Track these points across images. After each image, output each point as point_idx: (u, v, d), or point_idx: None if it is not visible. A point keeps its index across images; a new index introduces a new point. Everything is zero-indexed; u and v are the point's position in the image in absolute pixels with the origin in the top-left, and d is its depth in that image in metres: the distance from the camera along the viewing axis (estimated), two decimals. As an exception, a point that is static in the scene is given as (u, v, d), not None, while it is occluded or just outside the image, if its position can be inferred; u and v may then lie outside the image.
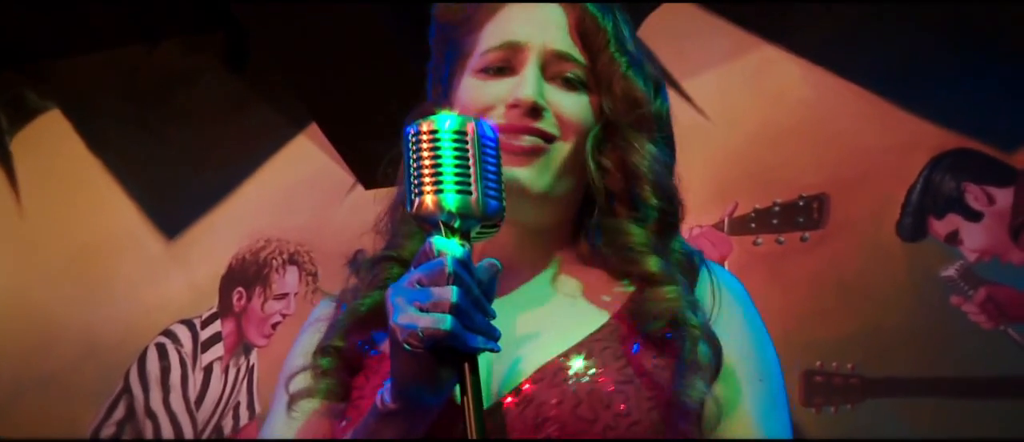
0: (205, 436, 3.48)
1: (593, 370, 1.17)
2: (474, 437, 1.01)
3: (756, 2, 3.10)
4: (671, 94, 1.44)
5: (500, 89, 1.29)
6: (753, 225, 2.98)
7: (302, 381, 1.28)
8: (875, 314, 2.77)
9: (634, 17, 1.40)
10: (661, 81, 1.40)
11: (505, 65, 1.31)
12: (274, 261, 3.57)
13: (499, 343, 1.06)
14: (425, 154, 1.08)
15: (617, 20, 1.35)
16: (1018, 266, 2.73)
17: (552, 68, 1.30)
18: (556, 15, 1.33)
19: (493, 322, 1.07)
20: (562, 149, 1.28)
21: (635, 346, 1.20)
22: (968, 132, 2.88)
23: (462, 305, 1.02)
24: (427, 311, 1.02)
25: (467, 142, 1.09)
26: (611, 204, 1.30)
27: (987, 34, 2.91)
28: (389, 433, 1.10)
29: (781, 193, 2.97)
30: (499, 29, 1.34)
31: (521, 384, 1.17)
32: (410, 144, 1.09)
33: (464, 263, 1.05)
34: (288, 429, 1.28)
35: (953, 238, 2.80)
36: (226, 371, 3.53)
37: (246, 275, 3.60)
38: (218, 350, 3.56)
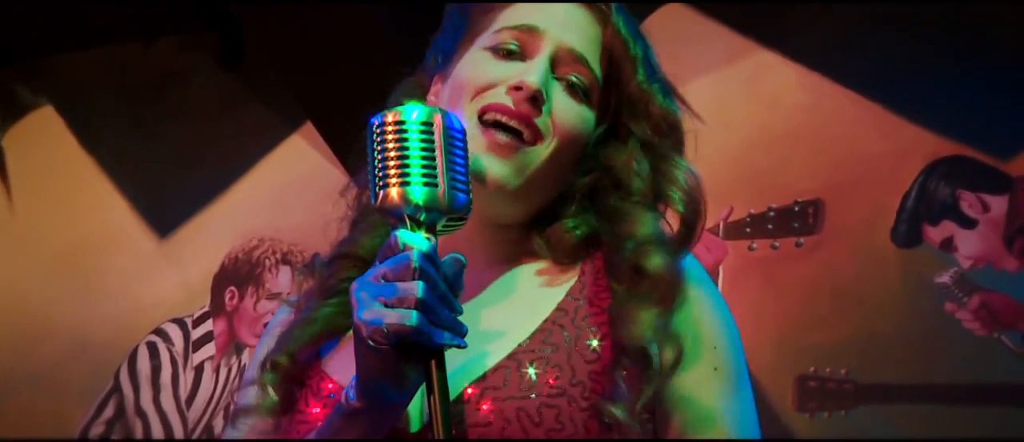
0: (195, 436, 3.46)
1: (528, 380, 1.12)
2: (440, 437, 0.99)
3: (754, 3, 3.10)
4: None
5: (505, 70, 1.24)
6: (748, 230, 2.98)
7: (248, 395, 1.25)
8: (869, 320, 2.77)
9: (635, 15, 1.36)
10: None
11: (517, 49, 1.26)
12: (267, 260, 3.56)
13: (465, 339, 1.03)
14: (391, 145, 1.05)
15: (647, 46, 1.33)
16: (1012, 273, 2.73)
17: (563, 67, 1.26)
18: (586, 21, 1.30)
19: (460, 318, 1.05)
20: (544, 151, 1.23)
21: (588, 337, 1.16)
22: (964, 139, 2.88)
23: (428, 301, 0.99)
24: (392, 307, 0.99)
25: (433, 133, 1.06)
26: (625, 202, 1.26)
27: (984, 40, 2.91)
28: (354, 432, 1.07)
29: (776, 198, 2.97)
30: (521, 12, 1.29)
31: (464, 390, 1.13)
32: (375, 135, 1.06)
33: (430, 257, 1.02)
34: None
35: (948, 245, 2.80)
36: (217, 370, 3.51)
37: (239, 274, 3.58)
38: (209, 349, 3.55)
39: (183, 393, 3.51)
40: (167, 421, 3.50)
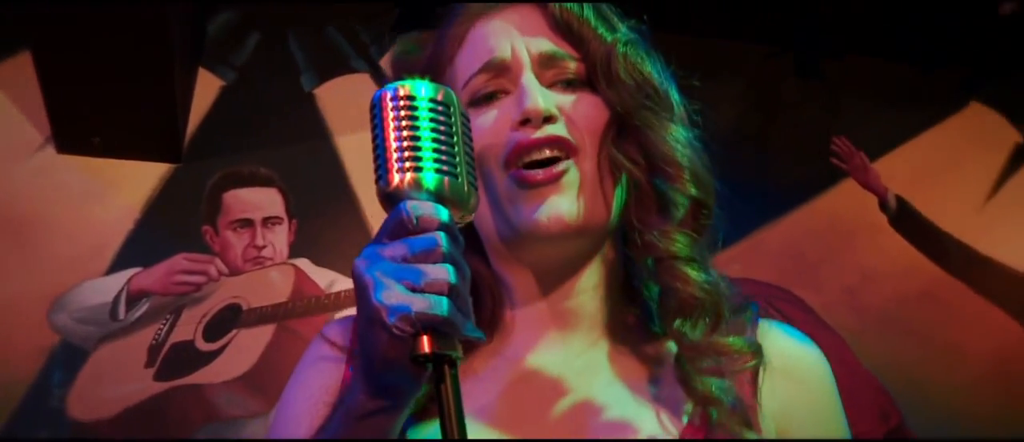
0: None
1: None
2: (455, 437, 0.88)
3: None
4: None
5: (499, 113, 1.15)
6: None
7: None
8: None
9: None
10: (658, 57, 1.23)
11: (496, 88, 1.16)
12: None
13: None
14: (404, 123, 0.93)
15: (597, 4, 1.20)
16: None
17: (548, 73, 1.16)
18: (529, 20, 1.18)
19: None
20: (584, 164, 1.13)
21: None
22: None
23: (459, 287, 0.90)
24: (421, 292, 0.89)
25: (447, 114, 0.95)
26: (646, 215, 1.14)
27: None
28: (367, 433, 0.97)
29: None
30: (475, 53, 1.18)
31: None
32: (385, 109, 0.94)
33: (456, 237, 0.92)
34: None
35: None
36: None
37: None
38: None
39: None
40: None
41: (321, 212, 3.84)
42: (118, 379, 3.48)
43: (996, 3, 4.03)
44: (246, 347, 3.57)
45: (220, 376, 3.52)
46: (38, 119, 3.59)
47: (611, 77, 1.14)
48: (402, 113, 0.93)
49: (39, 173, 3.60)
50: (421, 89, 0.95)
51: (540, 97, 1.12)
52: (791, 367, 1.11)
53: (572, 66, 1.16)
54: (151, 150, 3.69)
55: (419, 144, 0.93)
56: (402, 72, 1.17)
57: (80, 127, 3.56)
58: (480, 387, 1.13)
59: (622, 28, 1.19)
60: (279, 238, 3.79)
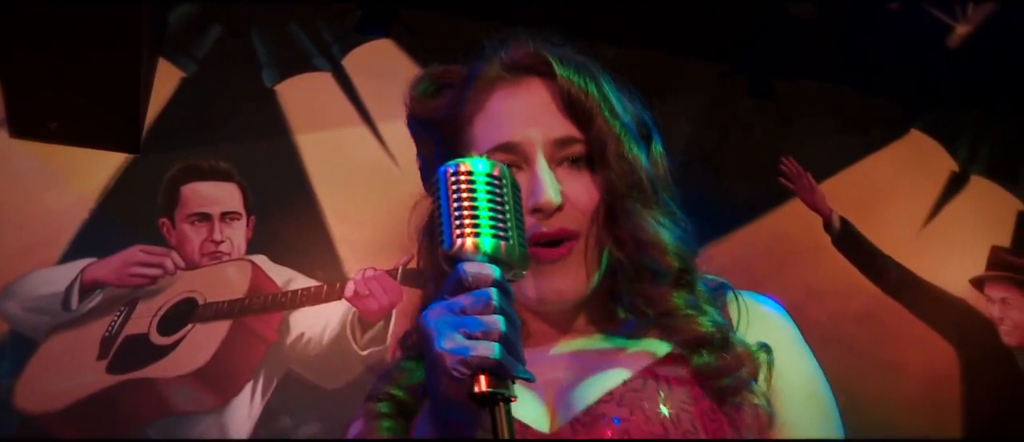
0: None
1: (666, 390, 1.21)
2: None
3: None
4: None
5: None
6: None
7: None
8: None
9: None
10: (652, 132, 1.37)
11: (511, 163, 1.27)
12: None
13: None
14: (464, 195, 1.08)
15: (600, 82, 1.32)
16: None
17: (557, 155, 1.29)
18: (544, 96, 1.31)
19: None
20: (587, 240, 1.28)
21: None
22: None
23: (509, 334, 1.04)
24: (476, 339, 1.03)
25: (500, 187, 1.10)
26: (636, 272, 1.27)
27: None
28: None
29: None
30: (492, 127, 1.31)
31: (592, 405, 1.21)
32: (449, 183, 1.09)
33: (507, 292, 1.07)
34: None
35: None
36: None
37: None
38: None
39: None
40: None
41: (280, 209, 3.82)
42: (69, 371, 3.42)
43: (940, 36, 4.19)
44: (201, 342, 3.54)
45: (174, 370, 3.48)
46: (-9, 102, 3.51)
47: (605, 161, 1.29)
48: (462, 186, 1.08)
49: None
50: (479, 165, 1.10)
51: (551, 190, 1.26)
52: (760, 324, 1.29)
53: (577, 148, 1.30)
54: (109, 139, 3.62)
55: (476, 212, 1.08)
56: (419, 114, 1.38)
57: (36, 111, 3.48)
58: None
59: (621, 111, 1.32)
60: (237, 233, 3.76)
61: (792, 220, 4.49)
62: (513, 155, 1.29)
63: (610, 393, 1.22)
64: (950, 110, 4.82)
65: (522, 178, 1.27)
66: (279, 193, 3.85)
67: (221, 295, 3.64)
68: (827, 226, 4.51)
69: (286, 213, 3.81)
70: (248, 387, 3.50)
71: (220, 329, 3.58)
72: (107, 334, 3.50)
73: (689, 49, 4.36)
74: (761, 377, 1.23)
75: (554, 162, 1.29)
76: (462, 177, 1.09)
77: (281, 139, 3.92)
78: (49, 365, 3.41)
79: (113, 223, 3.63)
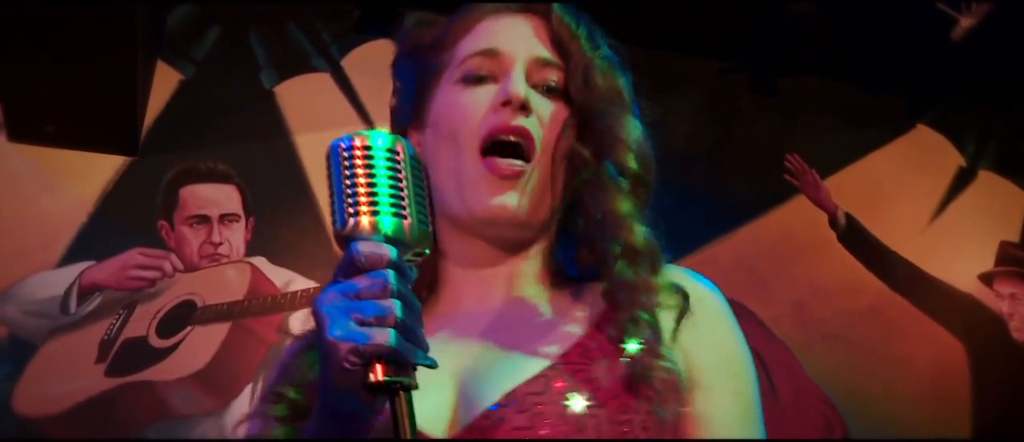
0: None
1: (564, 395, 1.12)
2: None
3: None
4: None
5: (483, 95, 1.27)
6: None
7: (255, 427, 1.25)
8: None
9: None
10: (634, 106, 1.36)
11: (488, 73, 1.29)
12: None
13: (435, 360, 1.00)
14: (360, 171, 1.02)
15: (591, 27, 1.34)
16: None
17: (535, 76, 1.29)
18: (533, 28, 1.33)
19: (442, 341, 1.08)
20: (541, 168, 1.26)
21: (605, 365, 1.15)
22: None
23: (406, 320, 0.97)
24: (369, 325, 0.96)
25: (399, 162, 1.04)
26: (596, 191, 1.26)
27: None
28: None
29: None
30: (480, 39, 1.32)
31: (489, 409, 1.13)
32: (341, 159, 1.03)
33: (405, 274, 1.00)
34: None
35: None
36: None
37: None
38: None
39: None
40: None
41: (278, 210, 3.81)
42: (68, 374, 3.41)
43: (946, 30, 4.14)
44: (200, 345, 3.52)
45: (173, 373, 3.46)
46: (-11, 105, 3.51)
47: (588, 81, 1.29)
48: (358, 161, 1.02)
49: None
50: (378, 140, 1.04)
51: (522, 87, 1.25)
52: (693, 302, 1.23)
53: (556, 76, 1.31)
54: (107, 141, 3.62)
55: (373, 189, 1.01)
56: (407, 46, 1.37)
57: (33, 114, 3.48)
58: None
59: (603, 46, 1.34)
60: (236, 235, 3.74)
61: (796, 217, 4.45)
62: (492, 62, 1.29)
63: (510, 394, 1.13)
64: (957, 104, 4.77)
65: (494, 88, 1.28)
66: (278, 194, 3.84)
67: (220, 297, 3.62)
68: (832, 222, 4.47)
69: (285, 214, 3.80)
70: (248, 389, 3.48)
71: (219, 331, 3.57)
72: (106, 337, 3.49)
73: (689, 46, 4.32)
74: (669, 319, 1.19)
75: (531, 82, 1.29)
76: (358, 152, 1.03)
77: (280, 140, 3.91)
78: (48, 368, 3.40)
79: (112, 226, 3.62)
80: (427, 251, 1.06)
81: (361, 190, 1.01)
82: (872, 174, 4.60)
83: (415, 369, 0.98)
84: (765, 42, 4.32)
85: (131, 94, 3.48)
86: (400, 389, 0.96)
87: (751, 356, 1.26)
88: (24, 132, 3.53)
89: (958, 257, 4.60)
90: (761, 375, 3.83)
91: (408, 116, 1.36)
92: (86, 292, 3.53)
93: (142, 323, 3.54)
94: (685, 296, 1.21)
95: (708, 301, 1.26)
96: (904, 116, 4.73)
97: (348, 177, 1.02)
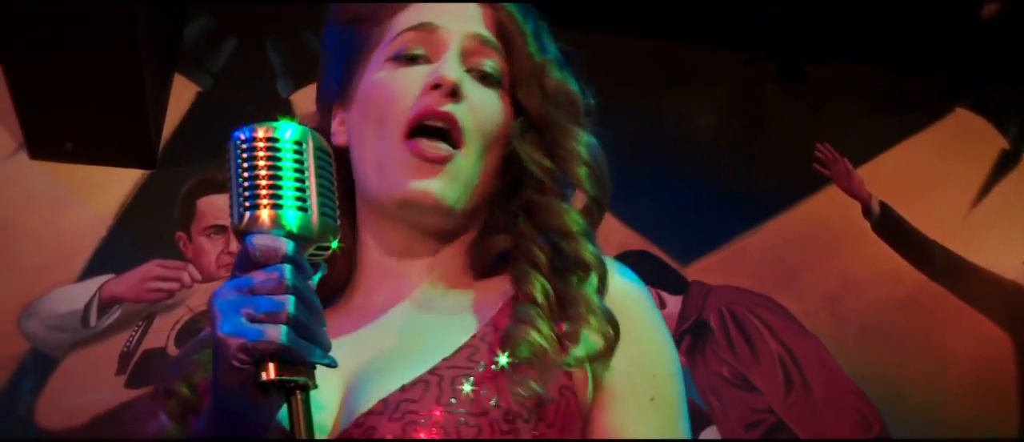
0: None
1: (450, 399, 1.06)
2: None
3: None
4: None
5: (415, 75, 1.22)
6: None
7: (151, 427, 1.22)
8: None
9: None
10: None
11: (421, 51, 1.23)
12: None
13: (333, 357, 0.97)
14: (261, 163, 0.99)
15: (538, 23, 1.29)
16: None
17: (471, 58, 1.24)
18: (474, 9, 1.27)
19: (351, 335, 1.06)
20: (469, 156, 1.21)
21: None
22: (651, 238, 3.15)
23: (300, 317, 0.94)
24: (260, 322, 0.93)
25: (304, 153, 1.00)
26: (542, 198, 1.22)
27: (681, 149, 3.15)
28: None
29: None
30: (414, 15, 1.25)
31: (363, 415, 1.08)
32: (241, 150, 1.00)
33: (302, 268, 0.97)
34: None
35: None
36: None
37: None
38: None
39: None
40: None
41: (296, 218, 3.81)
42: (88, 386, 3.45)
43: (980, 8, 4.00)
44: (218, 355, 3.53)
45: (191, 384, 3.48)
46: (10, 125, 3.57)
47: (543, 88, 1.24)
48: (259, 152, 0.99)
49: (10, 180, 3.57)
50: (285, 131, 1.02)
51: (455, 71, 1.20)
52: (614, 300, 1.16)
53: (493, 62, 1.25)
54: (124, 156, 3.66)
55: (274, 182, 0.98)
56: (342, 16, 1.31)
57: (52, 132, 3.54)
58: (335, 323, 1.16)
59: (552, 50, 1.30)
60: (253, 245, 3.76)
61: (828, 207, 4.32)
62: (427, 39, 1.23)
63: (385, 401, 1.07)
64: (999, 86, 4.60)
65: (426, 69, 1.22)
66: (296, 202, 3.83)
67: (238, 306, 3.63)
68: (866, 212, 4.34)
69: (303, 223, 3.79)
70: (267, 397, 3.49)
71: (237, 340, 3.58)
72: (125, 349, 3.53)
73: (712, 38, 4.24)
74: (592, 340, 1.12)
75: (467, 65, 1.24)
76: (260, 143, 1.00)
77: (297, 149, 3.91)
78: (69, 382, 3.45)
79: (130, 239, 3.66)
80: (334, 245, 1.02)
81: (261, 183, 0.98)
82: (908, 161, 4.46)
83: (313, 368, 0.95)
84: (789, 30, 4.21)
85: (142, 108, 3.52)
86: (295, 388, 0.93)
87: (676, 354, 1.20)
88: (43, 150, 3.59)
89: (1002, 244, 4.42)
90: (793, 371, 3.75)
91: (334, 93, 1.31)
92: (106, 305, 3.57)
93: (161, 334, 3.57)
94: (616, 331, 1.14)
95: (626, 296, 1.19)
96: (941, 100, 4.57)
97: (247, 169, 0.99)
